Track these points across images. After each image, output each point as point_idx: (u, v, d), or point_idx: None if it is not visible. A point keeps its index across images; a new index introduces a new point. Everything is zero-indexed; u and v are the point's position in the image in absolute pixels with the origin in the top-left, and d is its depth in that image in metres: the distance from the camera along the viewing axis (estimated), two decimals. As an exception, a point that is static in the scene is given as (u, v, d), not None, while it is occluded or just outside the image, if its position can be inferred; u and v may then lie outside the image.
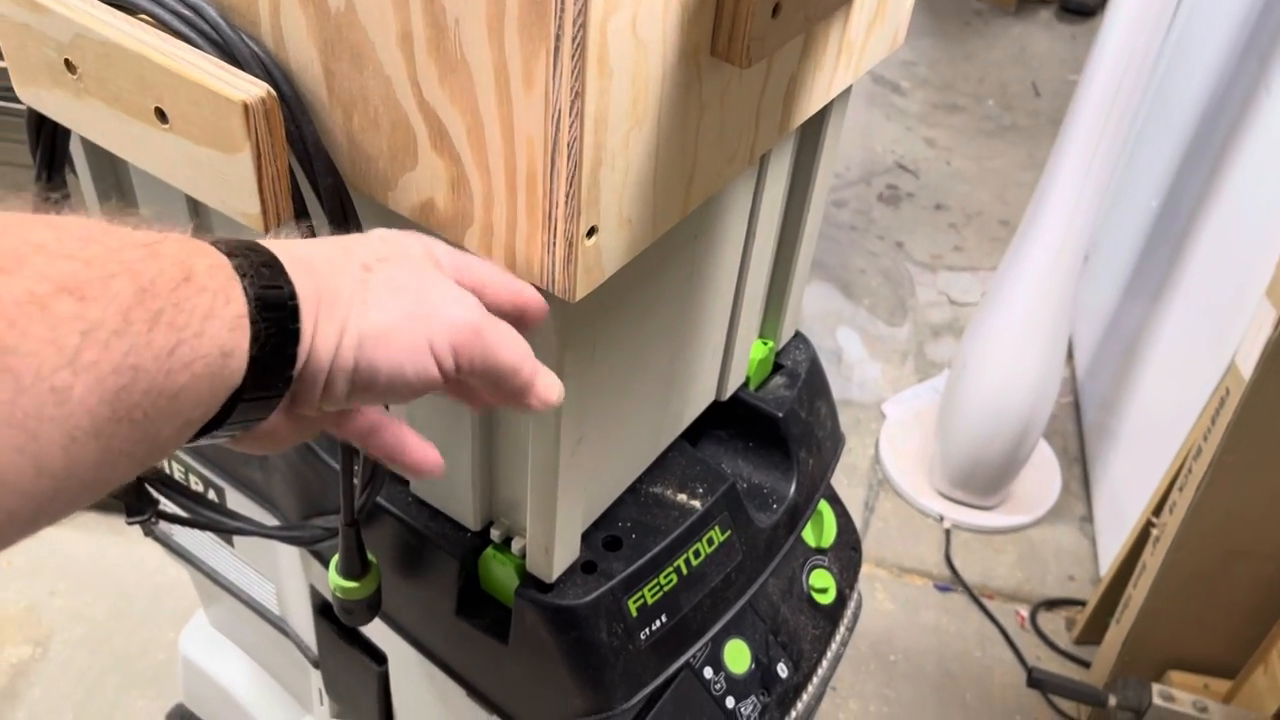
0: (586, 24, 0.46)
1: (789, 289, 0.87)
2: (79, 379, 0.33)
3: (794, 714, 0.88)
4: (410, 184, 0.57)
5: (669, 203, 0.59)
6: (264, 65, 0.57)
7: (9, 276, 0.33)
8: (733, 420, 0.89)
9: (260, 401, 0.42)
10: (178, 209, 0.74)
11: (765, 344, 0.89)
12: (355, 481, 0.70)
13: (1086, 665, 1.78)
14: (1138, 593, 1.58)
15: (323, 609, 0.99)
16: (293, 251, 0.43)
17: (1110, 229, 2.24)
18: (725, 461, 0.88)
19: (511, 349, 0.48)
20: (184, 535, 1.11)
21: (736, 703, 0.83)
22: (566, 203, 0.51)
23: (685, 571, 0.77)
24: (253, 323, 0.40)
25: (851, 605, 0.97)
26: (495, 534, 0.76)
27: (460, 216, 0.56)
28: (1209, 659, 1.59)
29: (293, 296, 0.42)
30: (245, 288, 0.40)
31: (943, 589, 1.90)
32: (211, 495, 0.97)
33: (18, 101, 0.63)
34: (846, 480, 2.06)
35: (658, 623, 0.76)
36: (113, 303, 0.34)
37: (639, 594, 0.75)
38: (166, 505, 0.83)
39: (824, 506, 0.96)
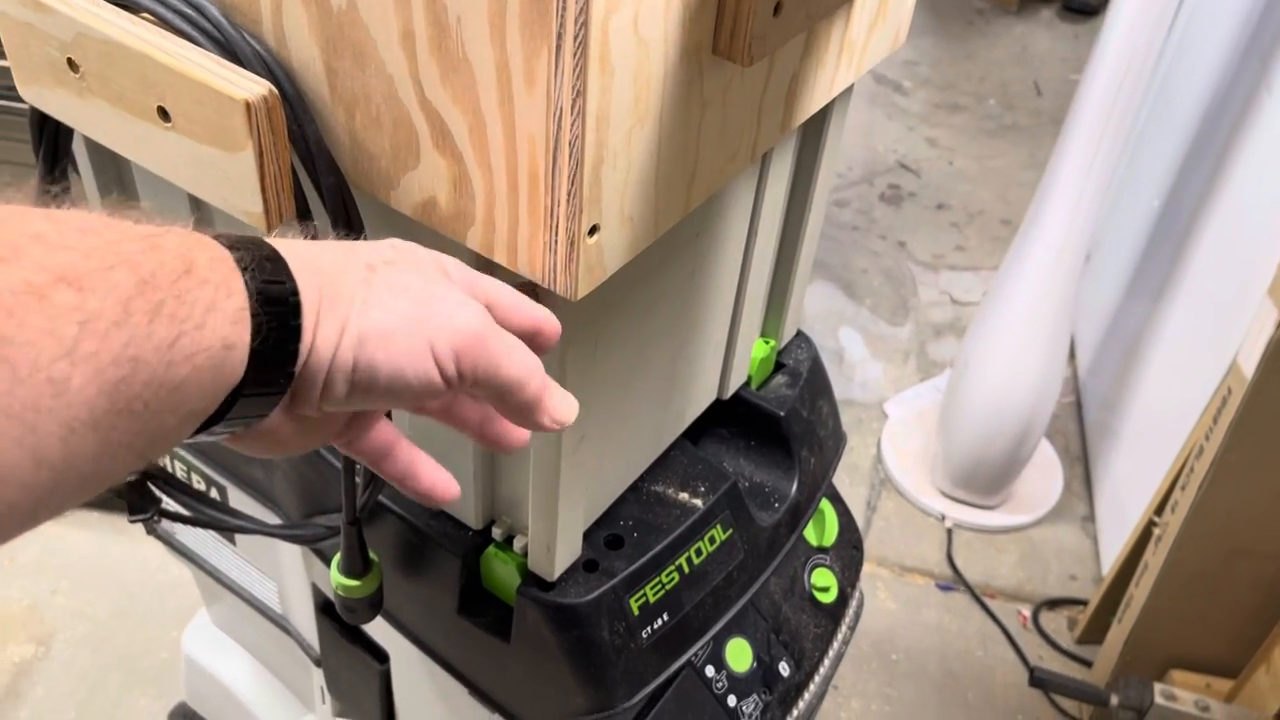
0: (588, 22, 0.46)
1: (791, 288, 0.87)
2: (77, 370, 0.33)
3: (796, 713, 0.88)
4: (412, 183, 0.57)
5: (671, 201, 0.59)
6: (266, 64, 0.57)
7: (6, 266, 0.32)
8: (734, 419, 0.89)
9: (261, 397, 0.42)
10: (180, 208, 0.74)
11: (767, 343, 0.90)
12: (357, 480, 0.70)
13: (1088, 665, 1.78)
14: (1140, 592, 1.58)
15: (325, 607, 0.99)
16: (297, 250, 0.43)
17: (1112, 228, 2.24)
18: (727, 460, 0.88)
19: (518, 361, 0.47)
20: (186, 534, 1.11)
21: (738, 701, 0.83)
22: (568, 201, 0.51)
23: (687, 570, 0.77)
24: (254, 316, 0.39)
25: (853, 604, 0.97)
26: (497, 532, 0.76)
27: (462, 215, 0.56)
28: (1211, 658, 1.59)
29: (294, 293, 0.41)
30: (247, 281, 0.39)
31: (945, 588, 1.90)
32: (214, 494, 0.97)
33: (20, 100, 0.64)
34: (848, 479, 2.06)
35: (659, 621, 0.76)
36: (112, 294, 0.34)
37: (641, 592, 0.75)
38: (169, 504, 0.83)
39: (826, 505, 0.96)
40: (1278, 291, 1.26)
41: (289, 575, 1.02)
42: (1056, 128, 1.77)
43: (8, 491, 0.32)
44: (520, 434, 0.53)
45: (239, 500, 0.95)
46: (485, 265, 0.56)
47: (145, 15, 0.57)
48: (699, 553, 0.78)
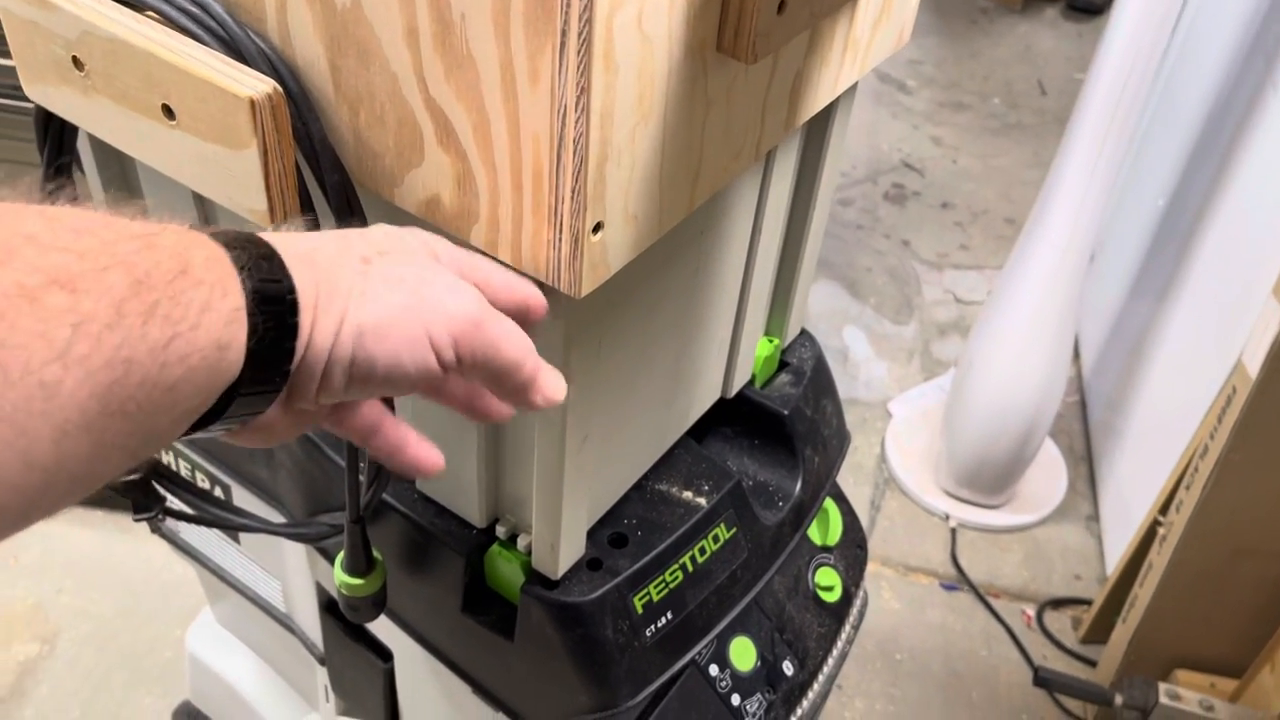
0: (592, 19, 0.46)
1: (795, 286, 0.87)
2: (69, 373, 0.33)
3: (799, 712, 0.88)
4: (416, 180, 0.57)
5: (675, 199, 0.59)
6: (270, 62, 0.57)
7: None
8: (738, 418, 0.89)
9: (257, 395, 0.42)
10: (184, 205, 0.74)
11: (771, 342, 0.89)
12: (361, 478, 0.70)
13: (1093, 664, 1.78)
14: (1144, 592, 1.58)
15: (329, 606, 0.99)
16: (292, 245, 0.43)
17: (1116, 228, 2.24)
18: (731, 459, 0.88)
19: (514, 343, 0.48)
20: (190, 532, 1.11)
21: (742, 700, 0.83)
22: (572, 199, 0.51)
23: (691, 569, 0.77)
24: (250, 316, 0.39)
25: (857, 603, 0.97)
26: (501, 531, 0.76)
27: (466, 213, 0.56)
28: (1215, 658, 1.59)
29: (291, 290, 0.41)
30: (243, 281, 0.39)
31: (948, 588, 1.90)
32: (218, 492, 0.98)
33: (25, 99, 0.64)
34: (852, 479, 2.06)
35: (663, 620, 0.76)
36: (106, 295, 0.34)
37: (644, 591, 0.75)
38: (173, 502, 0.83)
39: (830, 504, 0.96)
40: (1283, 290, 1.26)
41: (293, 574, 1.02)
42: (1061, 127, 1.77)
43: None
44: (507, 405, 0.53)
45: (243, 499, 0.95)
46: (489, 263, 0.56)
47: (150, 13, 0.57)
48: (703, 551, 0.78)
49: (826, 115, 0.77)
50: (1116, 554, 1.82)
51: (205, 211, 0.75)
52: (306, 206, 0.59)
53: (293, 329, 0.41)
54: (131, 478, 0.79)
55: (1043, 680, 1.55)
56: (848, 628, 0.94)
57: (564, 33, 0.46)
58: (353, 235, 0.48)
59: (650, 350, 0.73)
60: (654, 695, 0.77)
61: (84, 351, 0.33)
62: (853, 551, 0.98)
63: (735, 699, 0.82)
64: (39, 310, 0.32)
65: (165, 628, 1.69)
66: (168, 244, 0.37)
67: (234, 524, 0.85)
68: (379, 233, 0.49)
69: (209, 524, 0.86)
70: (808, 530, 0.91)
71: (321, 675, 1.12)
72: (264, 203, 0.56)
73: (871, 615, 1.79)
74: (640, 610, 0.74)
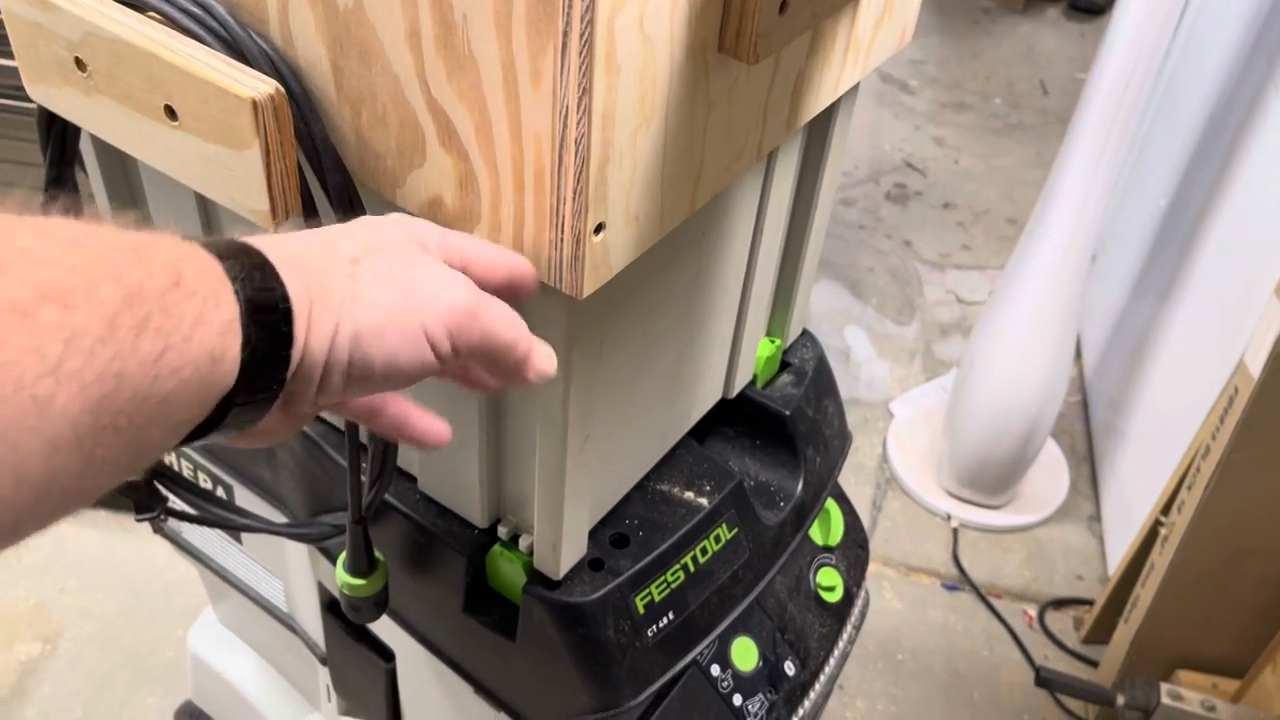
0: (594, 20, 0.46)
1: (796, 286, 0.87)
2: (62, 387, 0.32)
3: (801, 712, 0.88)
4: (418, 181, 0.57)
5: (676, 199, 0.59)
6: (272, 62, 0.57)
7: None
8: (740, 418, 0.89)
9: (254, 404, 0.42)
10: (187, 206, 0.74)
11: (772, 342, 0.89)
12: (363, 479, 0.70)
13: (1094, 665, 1.78)
14: (1146, 592, 1.58)
15: (330, 606, 1.00)
16: (280, 250, 0.43)
17: (1118, 228, 2.24)
18: (732, 459, 0.88)
19: (508, 326, 0.48)
20: (193, 532, 1.11)
21: (744, 700, 0.83)
22: (574, 199, 0.51)
23: (692, 569, 0.77)
24: (244, 327, 0.39)
25: (859, 603, 0.97)
26: (503, 531, 0.76)
27: (468, 213, 0.56)
28: (1217, 658, 1.59)
29: (285, 299, 0.41)
30: (236, 291, 0.39)
31: (950, 588, 1.90)
32: (220, 492, 0.98)
33: (28, 100, 0.64)
34: (854, 479, 2.06)
35: (665, 620, 0.76)
36: (98, 309, 0.34)
37: (646, 591, 0.75)
38: (175, 502, 0.83)
39: (831, 505, 0.96)
40: (1285, 291, 1.26)
41: (295, 574, 1.02)
42: (1062, 127, 1.77)
43: None
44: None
45: (245, 499, 0.95)
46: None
47: (153, 14, 0.57)
48: (704, 552, 0.78)
49: (828, 115, 0.77)
50: (1118, 554, 1.82)
51: (207, 212, 0.75)
52: (309, 207, 0.59)
53: (287, 337, 0.41)
54: (129, 481, 0.79)
55: (1044, 680, 1.55)
56: (849, 628, 0.95)
57: (565, 34, 0.46)
58: (337, 233, 0.47)
59: (652, 350, 0.73)
60: (655, 695, 0.77)
61: (76, 366, 0.33)
62: (854, 552, 0.98)
63: (737, 699, 0.82)
64: (31, 326, 0.32)
65: (168, 628, 1.69)
66: (160, 256, 0.37)
67: (236, 524, 0.85)
68: (362, 229, 0.49)
69: (211, 524, 0.86)
70: (809, 530, 0.92)
71: (323, 675, 1.12)
72: (266, 203, 0.56)
73: (873, 615, 1.79)
74: (642, 610, 0.74)
